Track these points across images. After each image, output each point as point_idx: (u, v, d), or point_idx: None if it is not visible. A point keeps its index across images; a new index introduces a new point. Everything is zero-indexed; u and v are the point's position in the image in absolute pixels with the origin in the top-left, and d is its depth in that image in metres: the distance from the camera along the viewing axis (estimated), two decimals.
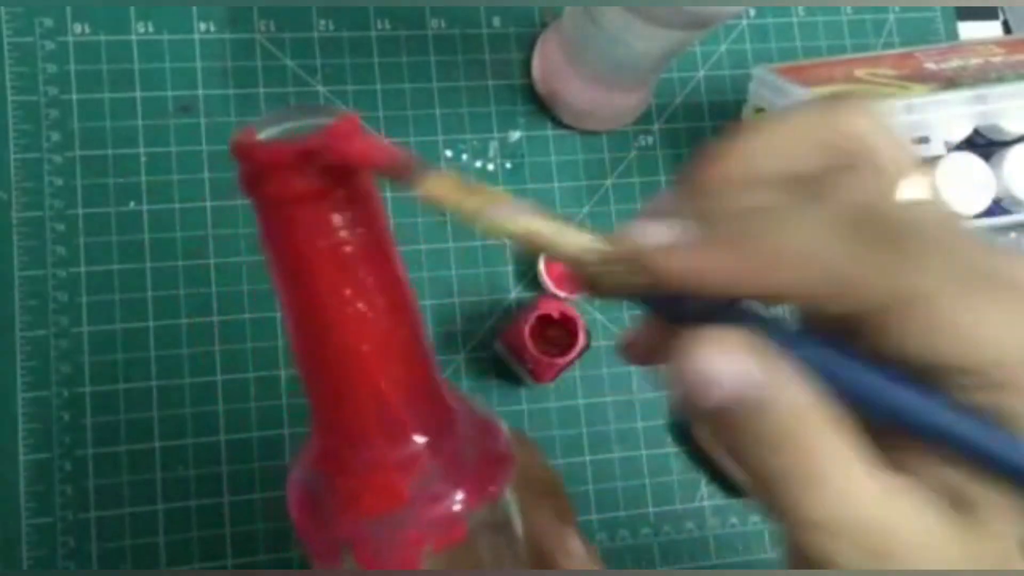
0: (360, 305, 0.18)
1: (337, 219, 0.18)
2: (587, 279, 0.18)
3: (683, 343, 0.16)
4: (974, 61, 0.49)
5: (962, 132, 0.49)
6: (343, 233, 0.18)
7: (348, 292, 0.18)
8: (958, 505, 0.16)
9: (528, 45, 0.51)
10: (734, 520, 0.50)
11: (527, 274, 0.49)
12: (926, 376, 0.16)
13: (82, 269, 0.45)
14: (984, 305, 0.15)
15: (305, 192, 0.17)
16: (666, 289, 0.17)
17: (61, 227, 0.45)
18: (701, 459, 0.49)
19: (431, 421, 0.20)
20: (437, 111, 0.50)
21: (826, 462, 0.15)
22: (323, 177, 0.17)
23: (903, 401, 0.16)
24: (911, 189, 0.17)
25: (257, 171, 0.17)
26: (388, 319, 0.19)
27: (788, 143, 0.18)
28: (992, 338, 0.15)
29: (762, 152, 0.18)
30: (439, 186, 0.17)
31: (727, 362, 0.16)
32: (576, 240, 0.17)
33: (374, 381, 0.19)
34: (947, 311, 0.15)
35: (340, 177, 0.17)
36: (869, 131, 0.17)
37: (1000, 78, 0.46)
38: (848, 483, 0.15)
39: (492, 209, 0.17)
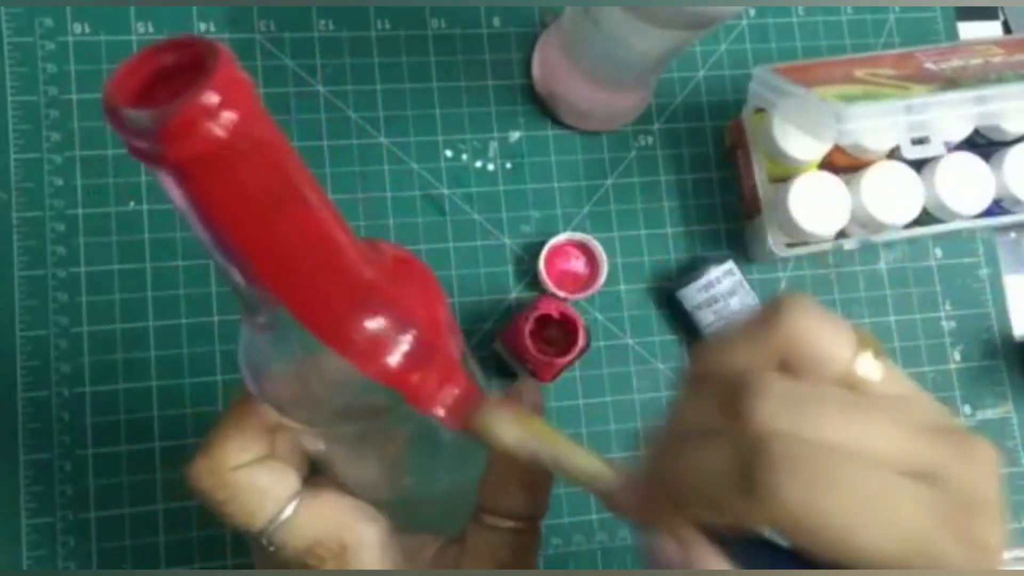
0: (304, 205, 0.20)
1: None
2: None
3: (654, 535, 0.23)
4: (974, 61, 0.49)
5: (962, 132, 0.49)
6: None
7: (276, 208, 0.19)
8: None
9: (528, 45, 0.51)
10: None
11: (527, 274, 0.49)
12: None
13: (82, 269, 0.45)
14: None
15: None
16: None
17: (61, 227, 0.45)
18: None
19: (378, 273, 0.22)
20: (437, 111, 0.50)
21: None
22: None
23: None
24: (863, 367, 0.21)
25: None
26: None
27: (744, 354, 0.21)
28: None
29: (729, 358, 0.21)
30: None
31: (674, 550, 0.23)
32: (586, 466, 0.25)
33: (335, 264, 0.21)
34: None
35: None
36: (807, 332, 0.20)
37: (1000, 78, 0.46)
38: None
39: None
